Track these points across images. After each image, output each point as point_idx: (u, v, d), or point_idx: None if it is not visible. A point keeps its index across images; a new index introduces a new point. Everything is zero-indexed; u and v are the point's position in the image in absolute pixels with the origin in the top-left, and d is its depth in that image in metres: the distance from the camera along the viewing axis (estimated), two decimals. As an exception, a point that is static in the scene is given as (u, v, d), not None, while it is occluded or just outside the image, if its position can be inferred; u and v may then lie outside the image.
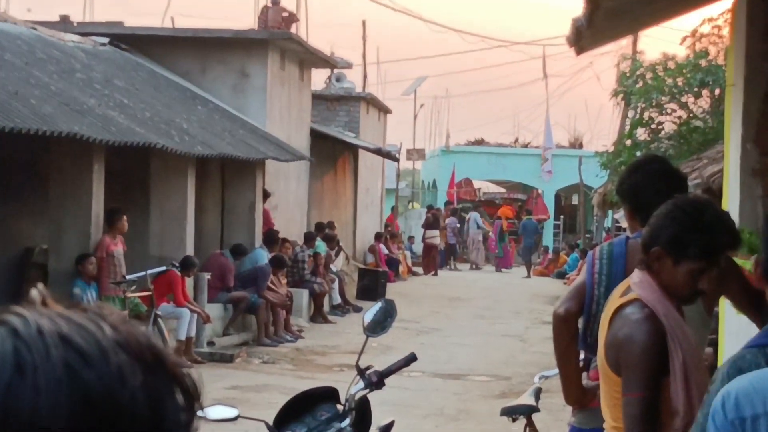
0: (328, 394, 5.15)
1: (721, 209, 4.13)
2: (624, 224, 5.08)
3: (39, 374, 1.01)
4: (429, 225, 35.45)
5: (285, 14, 24.25)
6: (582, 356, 5.04)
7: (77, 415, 1.01)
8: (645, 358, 3.90)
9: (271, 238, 20.04)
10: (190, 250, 16.72)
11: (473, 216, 39.55)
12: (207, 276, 17.27)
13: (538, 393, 7.63)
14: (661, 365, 3.89)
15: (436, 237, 35.26)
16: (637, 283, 4.01)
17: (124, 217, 14.83)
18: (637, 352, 3.91)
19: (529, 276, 35.56)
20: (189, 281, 16.45)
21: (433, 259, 35.02)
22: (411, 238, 37.66)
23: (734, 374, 3.09)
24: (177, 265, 15.82)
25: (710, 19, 20.17)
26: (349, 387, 5.10)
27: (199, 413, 3.77)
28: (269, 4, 24.42)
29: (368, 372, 5.08)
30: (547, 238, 43.20)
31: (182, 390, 1.09)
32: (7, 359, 1.02)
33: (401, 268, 31.62)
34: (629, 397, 3.89)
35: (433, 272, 34.37)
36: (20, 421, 1.00)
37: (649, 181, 4.72)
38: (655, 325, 3.90)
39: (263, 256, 18.89)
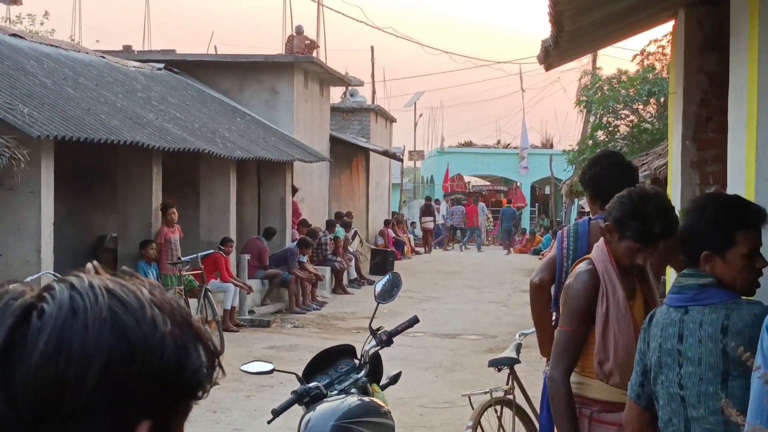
0: (347, 351, 5.15)
1: (666, 202, 3.96)
2: (588, 209, 5.07)
3: (88, 314, 1.06)
4: (423, 213, 35.84)
5: (307, 42, 24.18)
6: (554, 317, 5.03)
7: (116, 348, 1.06)
8: (574, 300, 3.96)
9: (302, 225, 20.20)
10: (232, 236, 16.71)
11: (481, 206, 39.55)
12: (247, 257, 17.28)
13: (518, 348, 7.63)
14: (591, 310, 3.93)
15: (429, 222, 35.59)
16: (595, 246, 4.05)
17: (171, 210, 14.74)
18: (570, 294, 3.99)
19: (508, 253, 35.67)
20: (232, 261, 16.45)
21: (427, 240, 35.37)
22: (413, 224, 37.69)
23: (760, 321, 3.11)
24: (221, 248, 15.82)
25: (656, 40, 20.14)
26: (364, 345, 5.10)
27: (241, 367, 3.76)
28: (294, 34, 24.36)
29: (379, 332, 5.08)
30: (526, 222, 43.13)
31: (204, 347, 1.13)
32: (64, 303, 1.07)
33: (406, 248, 31.63)
34: (559, 329, 4.00)
35: (427, 250, 34.72)
36: (71, 349, 1.04)
37: (606, 172, 4.71)
38: (591, 277, 3.94)
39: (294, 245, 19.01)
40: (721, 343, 3.22)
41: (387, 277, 5.39)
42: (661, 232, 3.84)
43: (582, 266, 4.02)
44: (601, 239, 4.03)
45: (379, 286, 5.29)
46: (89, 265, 1.17)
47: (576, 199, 27.86)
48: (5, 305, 1.07)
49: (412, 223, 37.52)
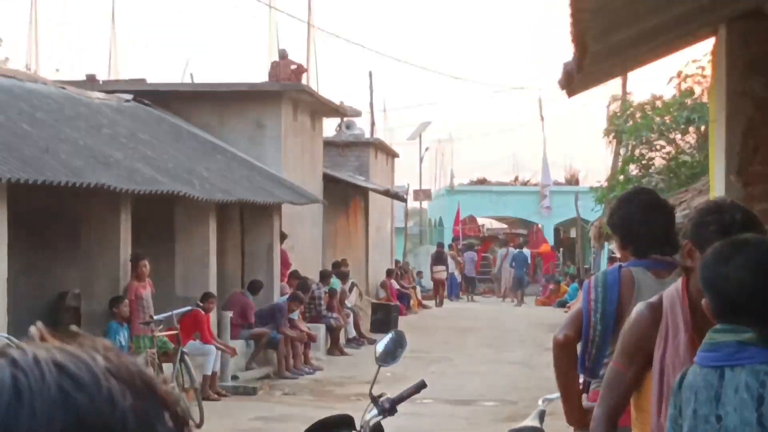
0: (344, 422, 5.12)
1: None
2: (619, 254, 5.02)
3: (35, 397, 1.03)
4: (434, 261, 36.14)
5: (294, 66, 24.30)
6: (581, 379, 5.02)
7: None
8: (628, 335, 3.96)
9: (292, 276, 20.21)
10: (213, 291, 16.69)
11: (511, 251, 39.57)
12: (229, 315, 17.25)
13: (542, 415, 7.59)
14: (648, 350, 3.89)
15: (441, 271, 35.90)
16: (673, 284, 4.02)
17: (143, 262, 14.74)
18: (626, 327, 3.99)
19: (519, 305, 36.32)
20: (213, 320, 16.42)
21: (438, 292, 35.88)
22: (420, 273, 37.75)
23: None
24: (201, 305, 15.79)
25: (694, 60, 20.19)
26: (363, 414, 5.07)
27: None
28: (278, 59, 24.50)
29: (381, 399, 5.06)
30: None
31: (172, 415, 1.11)
32: (5, 385, 1.04)
33: (412, 302, 31.61)
34: (610, 364, 4.01)
35: (437, 303, 35.17)
36: None
37: (638, 212, 4.71)
38: (652, 313, 3.91)
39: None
40: (756, 412, 3.18)
41: (389, 335, 5.38)
42: (744, 219, 3.82)
43: (648, 300, 4.03)
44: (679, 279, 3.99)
45: (380, 346, 5.28)
46: (32, 329, 1.15)
47: (606, 243, 27.82)
48: None
49: (419, 273, 37.56)
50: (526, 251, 40.11)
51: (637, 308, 3.99)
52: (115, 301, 14.29)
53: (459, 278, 39.56)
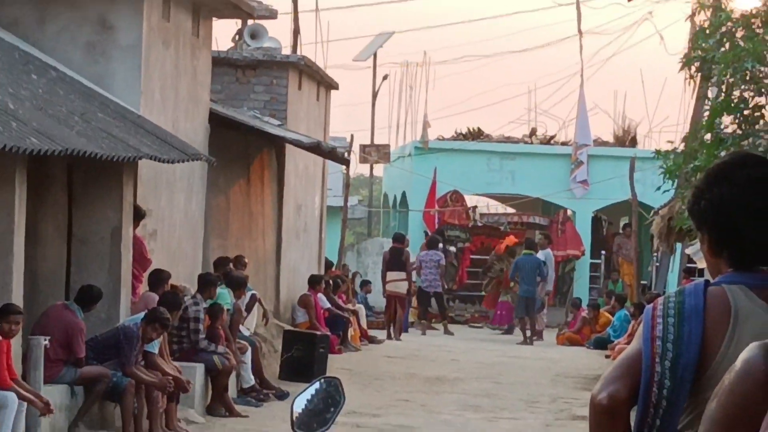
0: None
1: None
2: (701, 263, 5.00)
3: None
4: (389, 265, 35.74)
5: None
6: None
7: None
8: (729, 394, 3.77)
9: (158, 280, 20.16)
10: (17, 300, 16.60)
11: (547, 254, 39.39)
12: (44, 341, 17.15)
13: None
14: (754, 427, 3.76)
15: (400, 282, 35.54)
16: None
17: None
18: (727, 383, 3.81)
19: (528, 341, 36.54)
20: (17, 350, 16.35)
21: (396, 316, 35.75)
22: (367, 285, 37.67)
23: None
24: (-3, 324, 15.75)
25: None
26: None
27: None
28: None
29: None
30: (582, 287, 43.16)
31: None
32: None
33: (351, 332, 31.63)
34: None
35: (396, 336, 35.32)
36: None
37: (740, 194, 4.72)
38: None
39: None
40: None
41: (314, 385, 5.39)
42: None
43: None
44: None
45: (300, 404, 5.28)
46: None
47: (680, 245, 28.01)
48: None
49: (365, 284, 37.55)
50: (543, 253, 39.72)
51: (749, 352, 3.85)
52: None
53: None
